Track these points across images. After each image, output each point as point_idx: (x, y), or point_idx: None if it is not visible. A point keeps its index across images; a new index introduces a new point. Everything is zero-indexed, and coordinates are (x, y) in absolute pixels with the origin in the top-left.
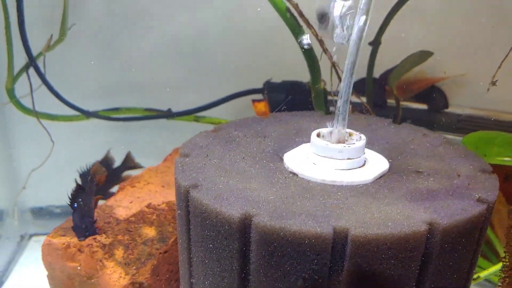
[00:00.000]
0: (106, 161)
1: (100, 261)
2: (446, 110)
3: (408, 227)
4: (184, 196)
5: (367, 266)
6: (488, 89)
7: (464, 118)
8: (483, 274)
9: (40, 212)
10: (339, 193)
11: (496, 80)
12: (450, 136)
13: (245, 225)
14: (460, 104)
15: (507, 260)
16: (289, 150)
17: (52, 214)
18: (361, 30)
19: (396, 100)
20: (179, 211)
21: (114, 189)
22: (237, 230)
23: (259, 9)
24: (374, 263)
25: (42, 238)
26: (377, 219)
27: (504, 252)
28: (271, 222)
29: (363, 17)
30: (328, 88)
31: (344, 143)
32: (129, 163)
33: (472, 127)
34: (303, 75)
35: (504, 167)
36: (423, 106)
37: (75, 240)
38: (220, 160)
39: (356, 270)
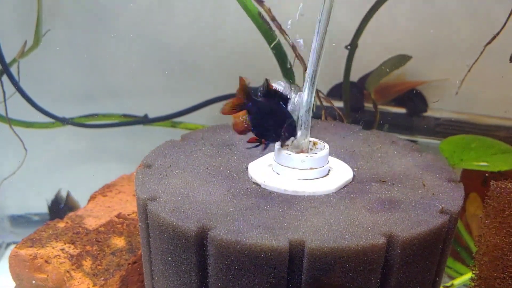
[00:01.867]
0: (56, 200)
1: (68, 272)
2: (424, 114)
3: (365, 240)
4: (143, 209)
5: (325, 279)
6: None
7: (442, 122)
8: (456, 281)
9: (18, 220)
10: (299, 204)
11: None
12: (428, 140)
13: (202, 238)
14: (439, 108)
15: (476, 269)
16: (255, 160)
17: (30, 222)
18: (321, 38)
19: (374, 104)
20: (140, 224)
21: None
22: (194, 244)
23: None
24: (332, 276)
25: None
26: (335, 231)
27: (474, 260)
28: (227, 236)
29: (323, 25)
30: None
31: (307, 152)
32: (69, 203)
33: (451, 130)
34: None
35: (482, 171)
36: (402, 110)
37: (42, 251)
38: (183, 171)
39: (314, 283)
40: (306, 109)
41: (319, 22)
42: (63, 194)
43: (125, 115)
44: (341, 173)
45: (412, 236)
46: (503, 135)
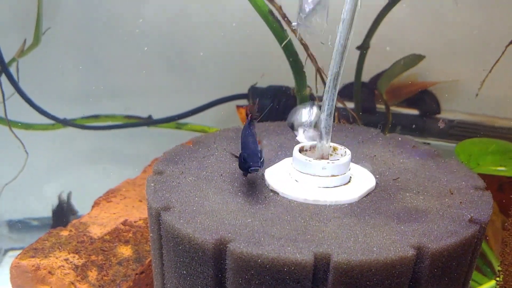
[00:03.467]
0: (61, 204)
1: (72, 283)
2: (438, 116)
3: (394, 253)
4: (155, 219)
5: None
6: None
7: (457, 124)
8: None
9: (16, 225)
10: (322, 214)
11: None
12: (442, 143)
13: (220, 251)
14: (452, 109)
15: (501, 280)
16: (271, 166)
17: (29, 227)
18: (345, 39)
19: (385, 105)
20: (151, 234)
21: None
22: (211, 257)
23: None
24: None
25: (19, 253)
26: (362, 243)
27: (498, 271)
28: (247, 249)
29: (347, 26)
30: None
31: (328, 158)
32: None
33: (465, 133)
34: (290, 80)
35: (498, 176)
36: (414, 112)
37: (45, 261)
38: (196, 178)
39: None
40: (328, 113)
41: (343, 22)
42: (65, 197)
43: (128, 116)
44: (363, 180)
45: (442, 247)
46: None
